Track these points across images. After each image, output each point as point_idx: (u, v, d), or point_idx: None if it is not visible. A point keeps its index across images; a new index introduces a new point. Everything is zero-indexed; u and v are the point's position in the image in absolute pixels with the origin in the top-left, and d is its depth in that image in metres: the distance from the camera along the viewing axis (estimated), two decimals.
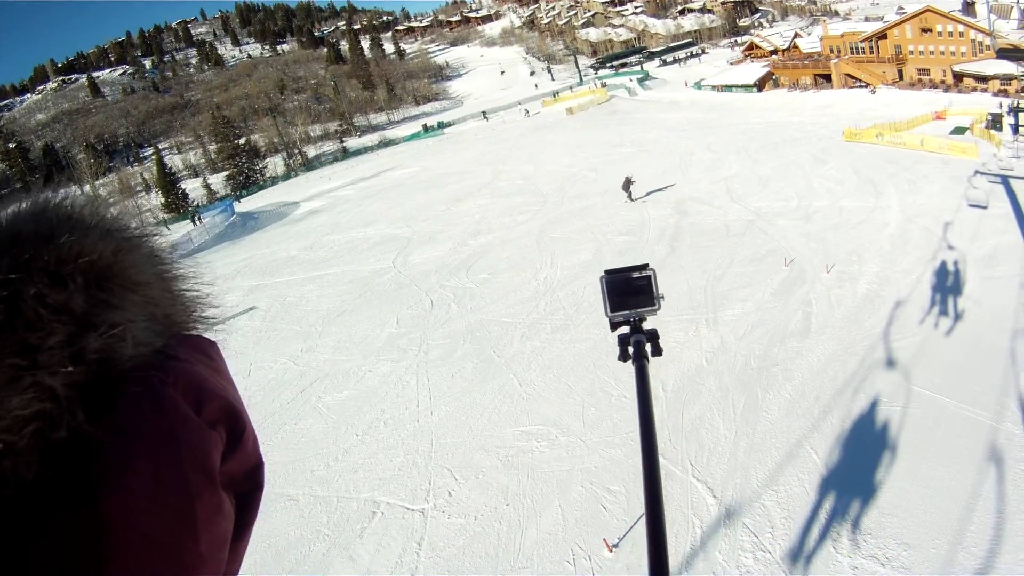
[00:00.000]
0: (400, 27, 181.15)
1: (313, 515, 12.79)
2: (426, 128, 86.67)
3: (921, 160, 29.43)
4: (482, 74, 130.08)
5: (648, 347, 1.61)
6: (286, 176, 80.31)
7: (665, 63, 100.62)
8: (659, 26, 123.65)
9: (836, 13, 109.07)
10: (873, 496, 10.54)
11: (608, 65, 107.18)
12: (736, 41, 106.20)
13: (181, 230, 49.94)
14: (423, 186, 45.38)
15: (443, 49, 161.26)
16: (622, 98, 71.40)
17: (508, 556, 10.78)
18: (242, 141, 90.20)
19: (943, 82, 52.84)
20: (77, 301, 0.57)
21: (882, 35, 58.06)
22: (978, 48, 51.17)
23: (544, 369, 16.27)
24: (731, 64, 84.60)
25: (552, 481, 12.26)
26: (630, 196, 28.89)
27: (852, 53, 60.67)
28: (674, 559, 9.88)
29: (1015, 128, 33.97)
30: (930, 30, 54.41)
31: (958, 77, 51.61)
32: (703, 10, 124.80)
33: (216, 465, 0.62)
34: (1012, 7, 52.38)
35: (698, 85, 74.69)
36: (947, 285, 17.04)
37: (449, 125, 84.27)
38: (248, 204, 60.92)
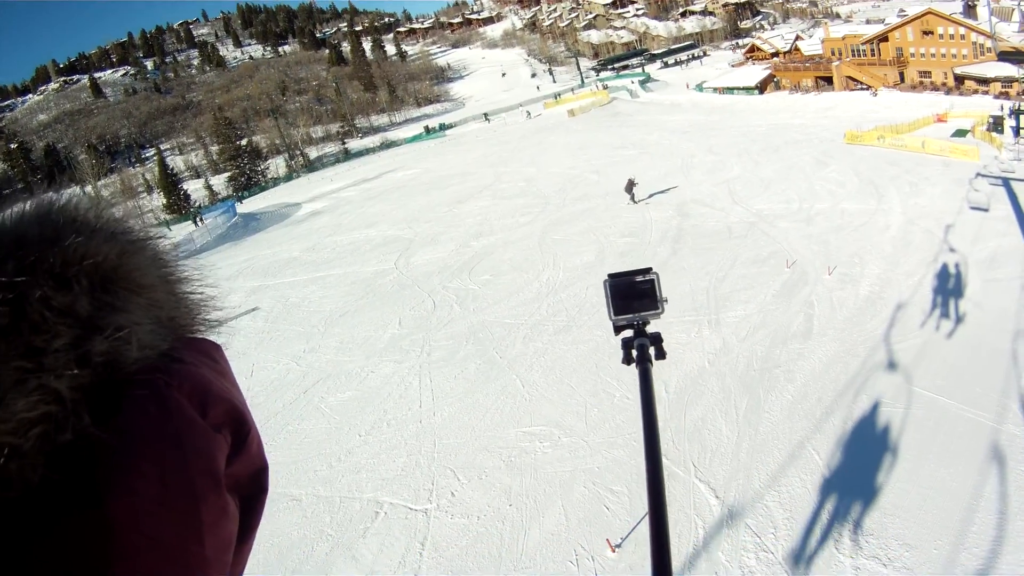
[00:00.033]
0: (402, 29, 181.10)
1: (316, 515, 12.83)
2: (428, 130, 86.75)
3: (922, 163, 29.46)
4: (484, 76, 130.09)
5: (652, 350, 1.61)
6: (288, 177, 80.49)
7: (666, 65, 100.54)
8: (660, 28, 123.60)
9: (837, 15, 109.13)
10: (875, 497, 10.57)
11: (610, 67, 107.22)
12: (737, 43, 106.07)
13: (183, 231, 50.02)
14: (425, 188, 45.47)
15: (445, 51, 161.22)
16: (624, 100, 71.49)
17: (511, 556, 10.82)
18: (244, 142, 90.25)
19: (944, 84, 52.89)
20: (82, 304, 0.58)
21: (883, 37, 58.10)
22: (979, 51, 51.22)
23: (547, 370, 16.31)
24: (732, 66, 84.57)
25: (555, 481, 12.29)
26: (633, 198, 28.93)
27: (853, 55, 60.71)
28: (677, 559, 9.91)
29: (1016, 131, 33.94)
30: (931, 32, 54.47)
31: (959, 80, 51.64)
32: (704, 12, 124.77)
33: (221, 468, 0.63)
34: (1013, 9, 52.46)
35: (699, 87, 74.77)
36: (949, 287, 17.07)
37: (451, 127, 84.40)
38: (250, 205, 61.05)
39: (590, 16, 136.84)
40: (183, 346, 0.67)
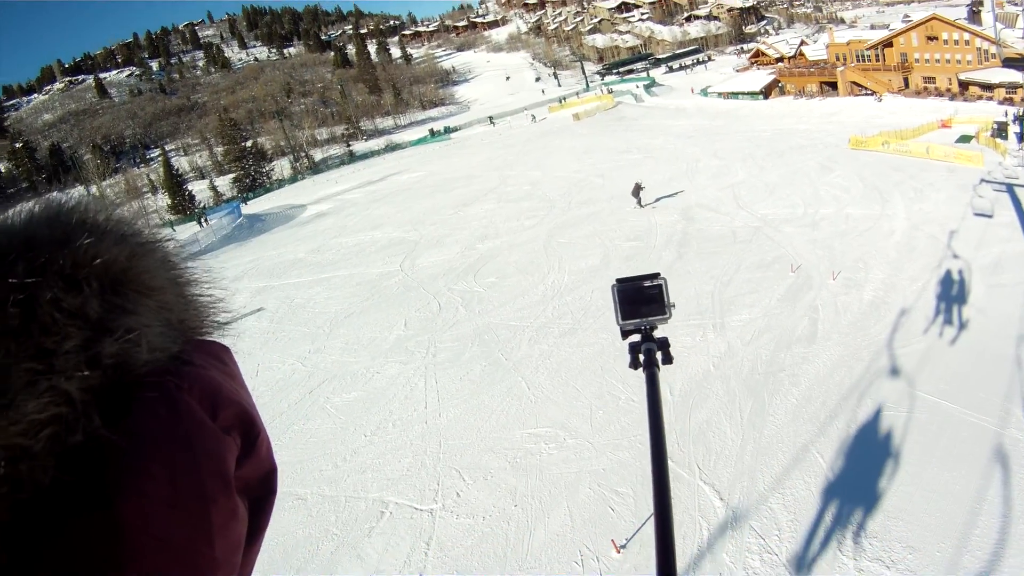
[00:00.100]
0: (407, 32, 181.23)
1: (321, 514, 12.92)
2: (433, 133, 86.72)
3: (927, 168, 29.49)
4: (488, 79, 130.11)
5: (659, 355, 1.62)
6: (292, 179, 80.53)
7: (671, 70, 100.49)
8: (665, 33, 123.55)
9: (842, 21, 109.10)
10: (878, 500, 10.64)
11: (614, 71, 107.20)
12: (742, 48, 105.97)
13: (188, 231, 50.12)
14: (430, 190, 45.52)
15: (450, 54, 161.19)
16: (628, 104, 71.48)
17: (516, 556, 10.89)
18: (249, 144, 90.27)
19: (949, 90, 52.92)
20: (92, 306, 0.58)
21: (888, 43, 58.11)
22: (984, 56, 51.23)
23: (552, 372, 16.39)
24: (737, 71, 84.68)
25: (560, 483, 12.37)
26: (639, 202, 28.98)
27: (858, 61, 60.71)
28: (681, 560, 9.96)
29: (1020, 136, 34.02)
30: (936, 38, 54.49)
31: (964, 85, 51.69)
32: (709, 17, 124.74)
33: (231, 470, 0.64)
34: (1018, 16, 52.41)
35: (704, 92, 74.69)
36: (952, 292, 17.13)
37: (456, 130, 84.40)
38: (255, 206, 61.09)
39: (595, 20, 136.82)
40: (193, 348, 0.68)
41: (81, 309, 0.57)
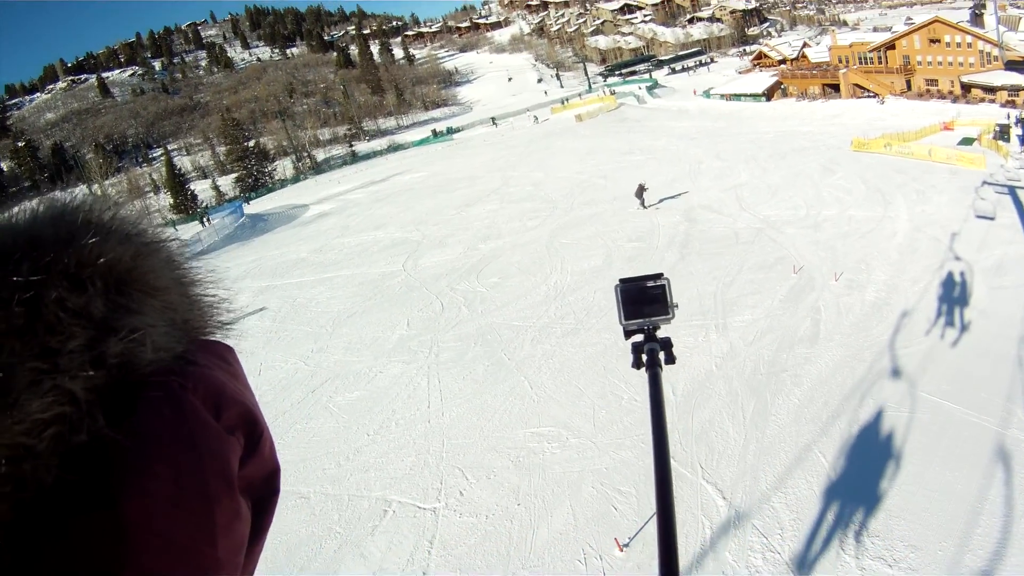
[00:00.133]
0: (410, 32, 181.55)
1: (324, 513, 12.95)
2: (435, 133, 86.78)
3: (929, 170, 29.50)
4: (491, 80, 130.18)
5: (662, 355, 1.62)
6: (295, 179, 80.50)
7: (674, 71, 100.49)
8: (668, 34, 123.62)
9: (845, 23, 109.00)
10: (880, 499, 10.67)
11: (617, 73, 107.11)
12: (745, 50, 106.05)
13: (190, 231, 50.14)
14: (433, 191, 45.59)
15: (452, 55, 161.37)
16: (631, 106, 71.52)
17: (519, 554, 10.93)
18: (251, 144, 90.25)
19: (951, 93, 52.86)
20: (97, 305, 0.59)
21: (890, 45, 58.06)
22: (986, 59, 51.19)
23: (555, 372, 16.43)
24: (740, 73, 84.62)
25: (563, 482, 12.40)
26: (643, 203, 29.02)
27: (860, 63, 60.67)
28: (684, 559, 10.02)
29: (1022, 139, 34.03)
30: (938, 41, 54.45)
31: (966, 88, 51.64)
32: (712, 19, 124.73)
33: (235, 471, 0.64)
34: (1020, 19, 52.46)
35: (707, 94, 74.58)
36: (954, 294, 17.16)
37: (458, 130, 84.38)
38: (257, 206, 61.09)
39: (598, 22, 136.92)
40: (197, 348, 0.68)
41: (86, 308, 0.57)
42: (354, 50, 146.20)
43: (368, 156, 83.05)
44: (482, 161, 54.24)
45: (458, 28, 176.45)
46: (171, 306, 0.67)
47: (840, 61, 62.89)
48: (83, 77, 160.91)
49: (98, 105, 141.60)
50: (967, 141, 37.08)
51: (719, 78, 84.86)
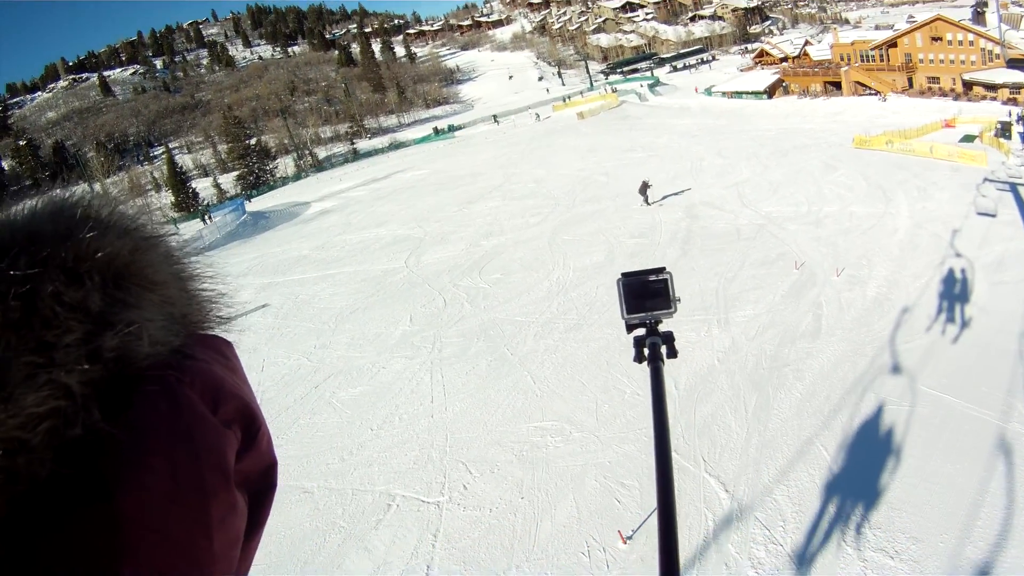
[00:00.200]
0: (411, 31, 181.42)
1: (328, 507, 13.02)
2: (437, 131, 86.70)
3: (931, 167, 29.46)
4: (493, 78, 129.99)
5: (663, 349, 1.62)
6: (296, 177, 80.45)
7: (675, 69, 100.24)
8: (670, 32, 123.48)
9: (847, 21, 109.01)
10: (882, 492, 10.73)
11: (619, 71, 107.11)
12: (747, 48, 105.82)
13: (192, 229, 50.14)
14: (434, 188, 45.65)
15: (454, 53, 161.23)
16: (633, 103, 71.40)
17: (523, 547, 11.00)
18: (253, 142, 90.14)
19: (953, 90, 52.76)
20: (94, 299, 0.58)
21: (892, 43, 57.92)
22: (988, 57, 51.10)
23: (558, 367, 16.50)
24: (741, 71, 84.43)
25: (566, 475, 12.47)
26: (646, 200, 29.06)
27: (862, 61, 60.54)
28: (688, 551, 10.09)
29: None
30: (940, 39, 54.34)
31: (968, 86, 51.55)
32: (714, 17, 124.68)
33: (231, 465, 0.63)
34: (1022, 17, 52.38)
35: (708, 91, 74.46)
36: (955, 290, 17.20)
37: (460, 128, 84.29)
38: (259, 204, 61.18)
39: (599, 20, 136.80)
40: (195, 343, 0.68)
41: (82, 302, 0.57)
42: (356, 48, 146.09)
43: (369, 154, 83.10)
44: (484, 158, 54.25)
45: (460, 26, 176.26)
46: (169, 300, 0.67)
47: (842, 59, 62.76)
48: (84, 76, 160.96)
49: (99, 104, 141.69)
50: (969, 138, 37.01)
51: (721, 76, 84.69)
